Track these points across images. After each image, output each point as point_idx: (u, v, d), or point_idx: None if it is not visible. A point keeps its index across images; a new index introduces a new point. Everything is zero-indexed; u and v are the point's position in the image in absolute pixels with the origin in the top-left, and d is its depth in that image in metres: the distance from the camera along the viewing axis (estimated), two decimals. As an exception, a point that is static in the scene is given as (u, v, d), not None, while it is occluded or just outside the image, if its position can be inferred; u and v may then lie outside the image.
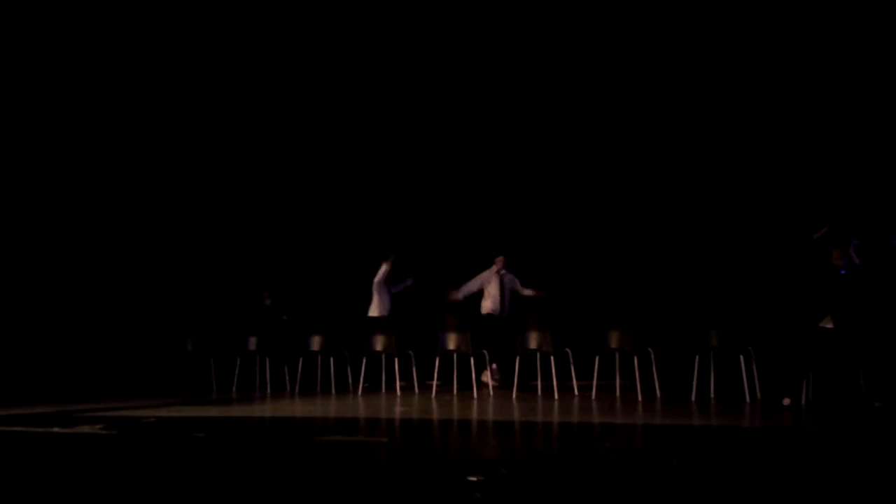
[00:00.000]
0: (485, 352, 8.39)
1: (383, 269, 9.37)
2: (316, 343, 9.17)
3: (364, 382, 8.62)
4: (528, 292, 9.32)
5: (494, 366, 8.84)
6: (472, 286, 9.35)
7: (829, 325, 6.65)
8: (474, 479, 3.12)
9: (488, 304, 9.25)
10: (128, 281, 10.97)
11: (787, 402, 6.50)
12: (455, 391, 8.43)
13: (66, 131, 10.55)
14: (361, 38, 10.77)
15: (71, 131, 10.58)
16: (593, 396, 7.58)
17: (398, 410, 6.78)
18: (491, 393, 8.22)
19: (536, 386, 8.30)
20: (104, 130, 10.84)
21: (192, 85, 11.06)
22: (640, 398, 7.30)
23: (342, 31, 10.76)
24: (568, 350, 7.95)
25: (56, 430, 5.25)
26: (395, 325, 8.83)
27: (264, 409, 7.13)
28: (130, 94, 10.81)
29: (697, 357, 7.41)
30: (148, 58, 10.62)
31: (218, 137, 11.43)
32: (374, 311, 9.31)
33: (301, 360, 9.16)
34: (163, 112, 11.08)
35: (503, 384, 8.74)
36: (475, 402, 7.44)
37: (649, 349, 7.71)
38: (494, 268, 9.33)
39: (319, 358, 9.23)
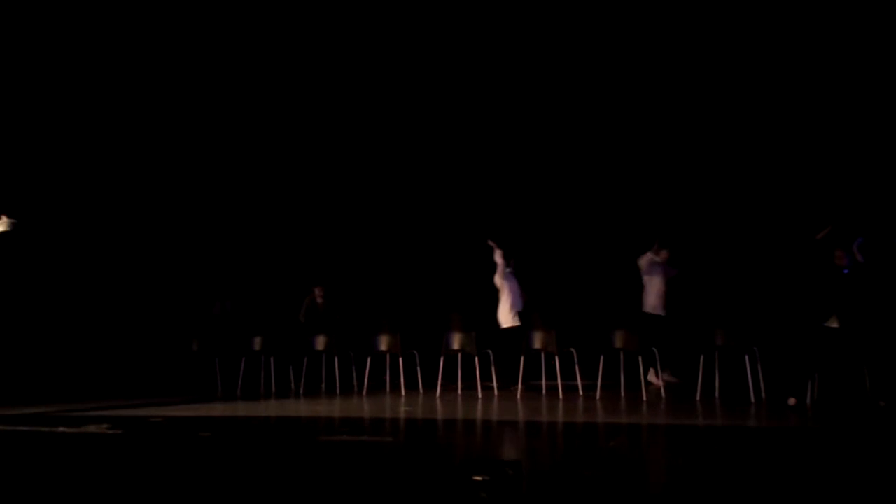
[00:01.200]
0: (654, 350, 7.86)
1: (500, 261, 8.80)
2: (320, 343, 9.17)
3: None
4: None
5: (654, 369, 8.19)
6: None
7: (835, 325, 6.64)
8: (479, 478, 3.13)
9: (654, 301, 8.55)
10: (133, 281, 11.00)
11: (792, 402, 6.49)
12: (459, 391, 8.44)
13: (68, 131, 10.57)
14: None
15: (72, 131, 10.60)
16: (598, 396, 7.58)
17: (403, 410, 6.79)
18: (663, 395, 7.55)
19: (541, 386, 8.29)
20: (110, 130, 10.86)
21: (203, 84, 11.05)
22: (644, 398, 7.30)
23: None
24: (572, 350, 7.95)
25: (62, 429, 5.27)
26: (400, 324, 8.83)
27: (269, 409, 7.14)
28: (133, 93, 10.83)
29: (702, 357, 7.40)
30: (147, 58, 10.63)
31: (226, 139, 11.44)
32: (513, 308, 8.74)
33: (306, 359, 9.17)
34: (168, 111, 11.09)
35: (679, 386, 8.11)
36: (479, 402, 7.45)
37: (654, 349, 7.70)
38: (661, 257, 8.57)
39: (324, 358, 9.24)
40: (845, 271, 6.84)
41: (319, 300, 9.95)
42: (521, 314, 8.58)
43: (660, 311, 8.39)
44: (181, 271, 11.28)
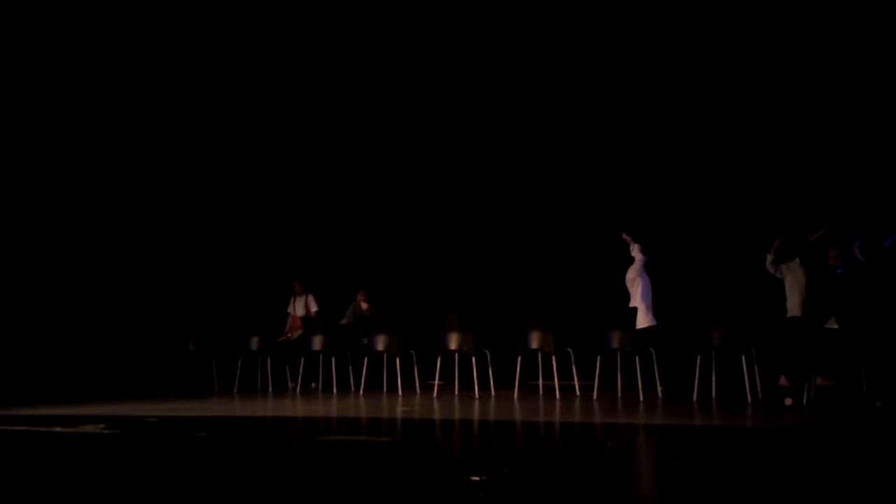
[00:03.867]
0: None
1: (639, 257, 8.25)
2: (317, 343, 9.17)
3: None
4: None
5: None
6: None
7: (834, 326, 6.64)
8: (477, 478, 3.12)
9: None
10: (130, 281, 10.98)
11: (788, 402, 6.49)
12: (457, 391, 8.44)
13: (67, 131, 10.55)
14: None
15: (72, 131, 10.58)
16: (595, 396, 7.58)
17: (400, 410, 6.78)
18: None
19: (538, 385, 8.29)
20: (105, 130, 10.85)
21: (199, 83, 11.03)
22: (641, 398, 7.30)
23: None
24: (570, 350, 7.95)
25: (59, 429, 5.25)
26: (397, 324, 8.83)
27: (266, 409, 7.14)
28: (131, 93, 10.82)
29: (699, 357, 7.41)
30: (148, 58, 10.62)
31: (221, 139, 11.43)
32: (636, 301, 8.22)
33: (303, 359, 9.17)
34: (164, 111, 11.08)
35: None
36: (476, 402, 7.44)
37: (651, 349, 7.71)
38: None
39: (321, 357, 9.23)
40: (839, 271, 6.85)
41: (364, 304, 9.75)
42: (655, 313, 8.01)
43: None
44: (178, 271, 11.27)
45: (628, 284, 8.36)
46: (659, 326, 8.17)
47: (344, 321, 9.73)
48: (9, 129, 10.04)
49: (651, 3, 9.86)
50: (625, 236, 8.47)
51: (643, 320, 8.09)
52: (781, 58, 9.57)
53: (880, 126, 9.02)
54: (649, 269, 8.39)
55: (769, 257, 7.55)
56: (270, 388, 9.40)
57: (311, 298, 10.03)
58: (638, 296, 8.20)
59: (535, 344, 8.01)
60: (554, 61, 10.53)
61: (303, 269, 11.23)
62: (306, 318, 9.87)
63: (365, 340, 9.13)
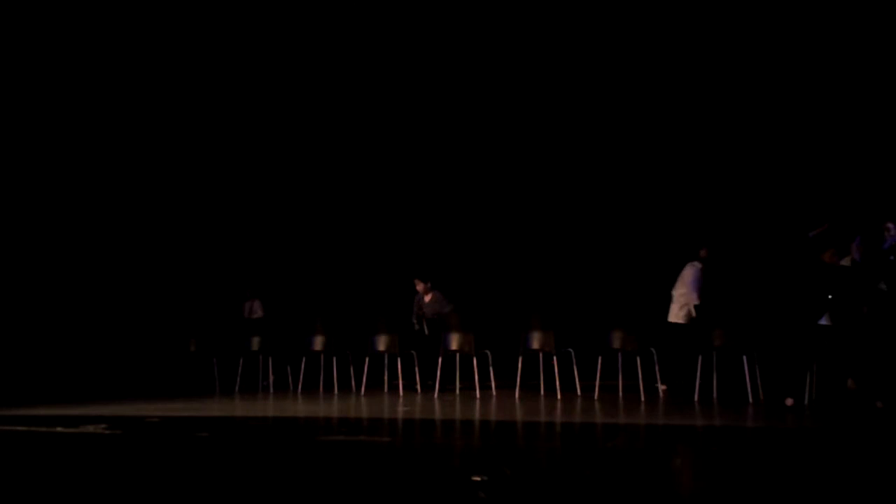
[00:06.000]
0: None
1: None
2: (318, 343, 9.17)
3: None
4: None
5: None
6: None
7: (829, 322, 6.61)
8: (478, 478, 3.12)
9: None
10: (130, 281, 10.99)
11: (789, 402, 6.49)
12: (458, 391, 8.43)
13: (67, 131, 10.56)
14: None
15: (71, 131, 10.59)
16: (596, 397, 7.57)
17: (401, 410, 6.78)
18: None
19: (539, 386, 8.29)
20: (105, 130, 10.85)
21: (202, 83, 11.03)
22: (642, 398, 7.30)
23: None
24: (571, 350, 7.95)
25: (60, 429, 5.26)
26: (397, 324, 8.82)
27: (267, 409, 7.14)
28: (132, 94, 10.82)
29: (700, 357, 7.40)
30: (147, 58, 10.62)
31: (220, 140, 11.43)
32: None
33: (304, 359, 9.17)
34: (165, 111, 11.07)
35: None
36: (478, 402, 7.44)
37: (652, 349, 7.70)
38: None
39: (322, 357, 9.23)
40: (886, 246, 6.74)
41: (427, 296, 9.29)
42: (697, 310, 7.85)
43: None
44: (178, 271, 11.27)
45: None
46: (663, 327, 8.16)
47: (416, 325, 9.28)
48: (9, 129, 10.04)
49: (662, 8, 9.87)
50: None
51: (677, 315, 7.96)
52: (782, 59, 9.57)
53: (882, 124, 9.01)
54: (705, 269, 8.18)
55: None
56: (271, 389, 9.40)
57: (257, 303, 10.49)
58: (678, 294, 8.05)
59: (536, 344, 8.00)
60: (553, 61, 10.53)
61: (302, 270, 11.25)
62: (249, 321, 10.38)
63: (426, 331, 8.98)
